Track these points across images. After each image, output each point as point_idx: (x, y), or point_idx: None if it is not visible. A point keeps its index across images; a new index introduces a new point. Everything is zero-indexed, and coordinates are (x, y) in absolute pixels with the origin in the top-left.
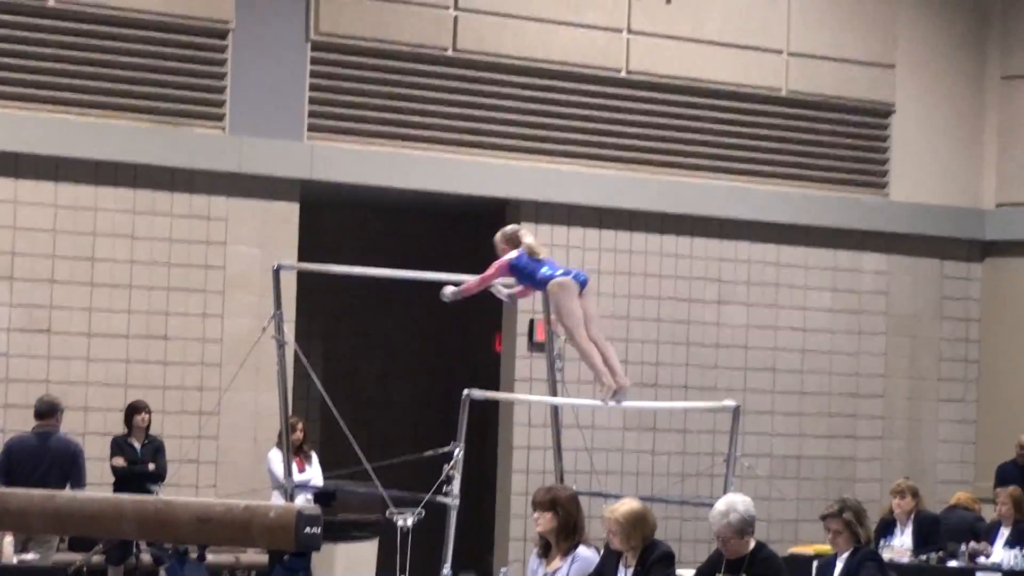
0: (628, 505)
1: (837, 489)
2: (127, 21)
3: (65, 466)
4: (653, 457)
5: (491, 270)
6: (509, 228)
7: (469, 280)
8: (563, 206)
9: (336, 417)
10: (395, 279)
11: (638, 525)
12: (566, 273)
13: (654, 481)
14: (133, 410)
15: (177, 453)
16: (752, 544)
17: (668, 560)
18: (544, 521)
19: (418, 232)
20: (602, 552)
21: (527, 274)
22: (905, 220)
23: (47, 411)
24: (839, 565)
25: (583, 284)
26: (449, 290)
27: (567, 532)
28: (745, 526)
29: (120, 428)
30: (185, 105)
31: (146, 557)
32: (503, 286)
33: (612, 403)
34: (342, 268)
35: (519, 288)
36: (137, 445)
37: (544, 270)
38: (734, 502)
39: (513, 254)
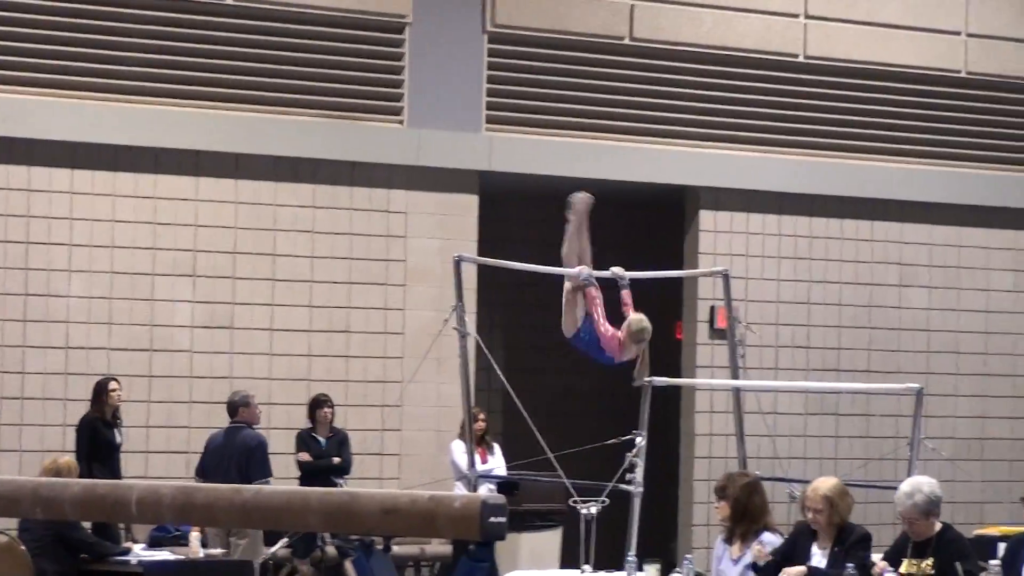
0: (831, 482)
1: (1022, 471)
2: (305, 18)
3: (242, 460)
4: (836, 441)
5: (602, 332)
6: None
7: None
8: (742, 192)
9: (518, 407)
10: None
11: (843, 499)
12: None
13: (837, 466)
14: (316, 404)
15: (361, 446)
16: (938, 526)
17: (866, 542)
18: (722, 508)
19: (598, 221)
20: (791, 532)
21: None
22: None
23: (231, 408)
24: None
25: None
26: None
27: (739, 518)
28: (931, 507)
29: (304, 423)
30: (363, 100)
31: (332, 550)
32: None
33: None
34: (520, 265)
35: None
36: (322, 439)
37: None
38: (919, 483)
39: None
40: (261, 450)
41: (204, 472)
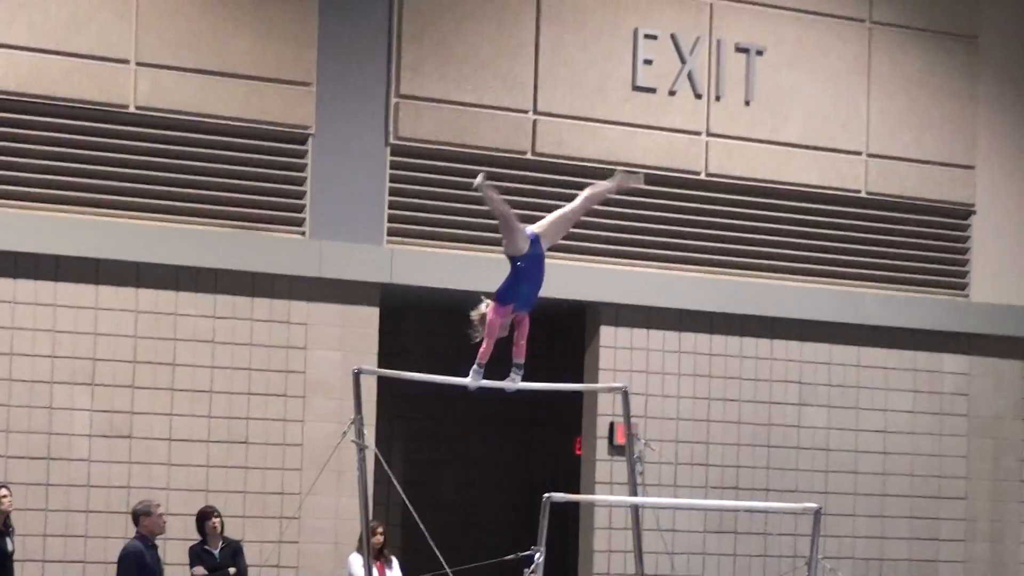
0: None
1: None
2: (209, 127)
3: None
4: (735, 560)
5: (490, 329)
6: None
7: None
8: (642, 308)
9: (417, 521)
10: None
11: None
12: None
13: None
14: (204, 516)
15: (258, 558)
16: None
17: None
18: None
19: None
20: None
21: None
22: (986, 321)
23: (133, 517)
24: None
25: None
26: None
27: None
28: None
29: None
30: (266, 211)
31: None
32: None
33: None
34: (421, 376)
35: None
36: (215, 551)
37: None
38: None
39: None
40: (123, 562)
41: None
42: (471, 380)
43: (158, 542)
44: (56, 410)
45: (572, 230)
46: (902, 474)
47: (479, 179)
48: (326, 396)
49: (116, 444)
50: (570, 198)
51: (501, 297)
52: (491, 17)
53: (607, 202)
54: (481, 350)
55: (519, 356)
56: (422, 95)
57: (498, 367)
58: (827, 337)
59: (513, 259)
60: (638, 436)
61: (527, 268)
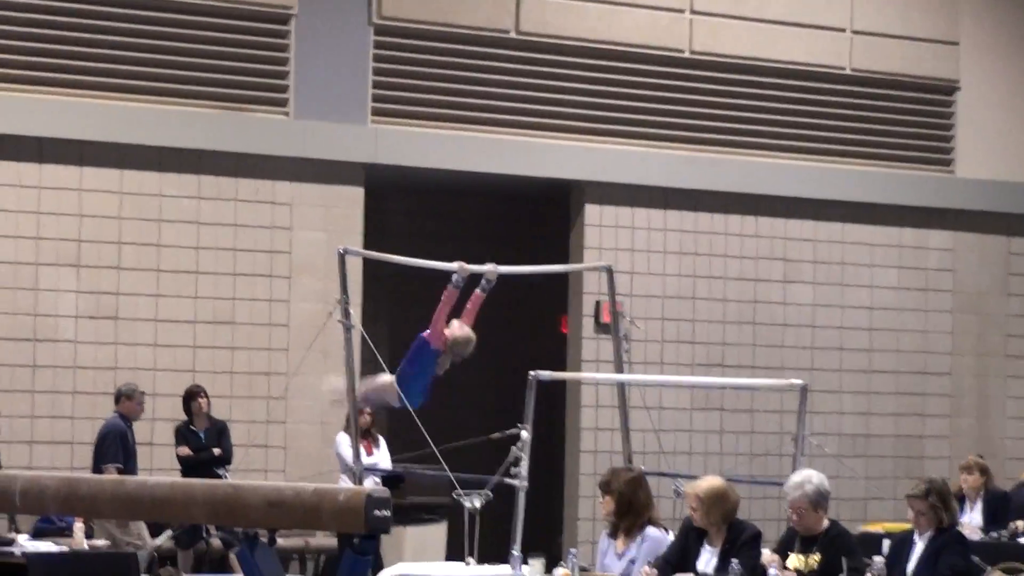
0: (709, 482)
1: (906, 467)
2: (190, 7)
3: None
4: (721, 437)
5: (438, 329)
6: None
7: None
8: (627, 186)
9: (403, 400)
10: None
11: (718, 502)
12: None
13: (722, 461)
14: (190, 396)
15: (245, 438)
16: (826, 522)
17: (756, 540)
18: (605, 503)
19: (483, 214)
20: (680, 530)
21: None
22: (971, 197)
23: (115, 397)
24: (919, 544)
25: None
26: (457, 272)
27: (624, 513)
28: (820, 499)
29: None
30: (249, 91)
31: (216, 542)
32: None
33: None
34: (405, 259)
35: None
36: (200, 431)
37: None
38: (809, 475)
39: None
40: (101, 440)
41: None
42: (456, 265)
43: (157, 423)
44: (41, 291)
45: (555, 108)
46: (888, 350)
47: (458, 269)
48: (311, 276)
49: (102, 325)
50: (553, 77)
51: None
52: None
53: (591, 80)
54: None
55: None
56: None
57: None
58: (812, 214)
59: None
60: (624, 314)
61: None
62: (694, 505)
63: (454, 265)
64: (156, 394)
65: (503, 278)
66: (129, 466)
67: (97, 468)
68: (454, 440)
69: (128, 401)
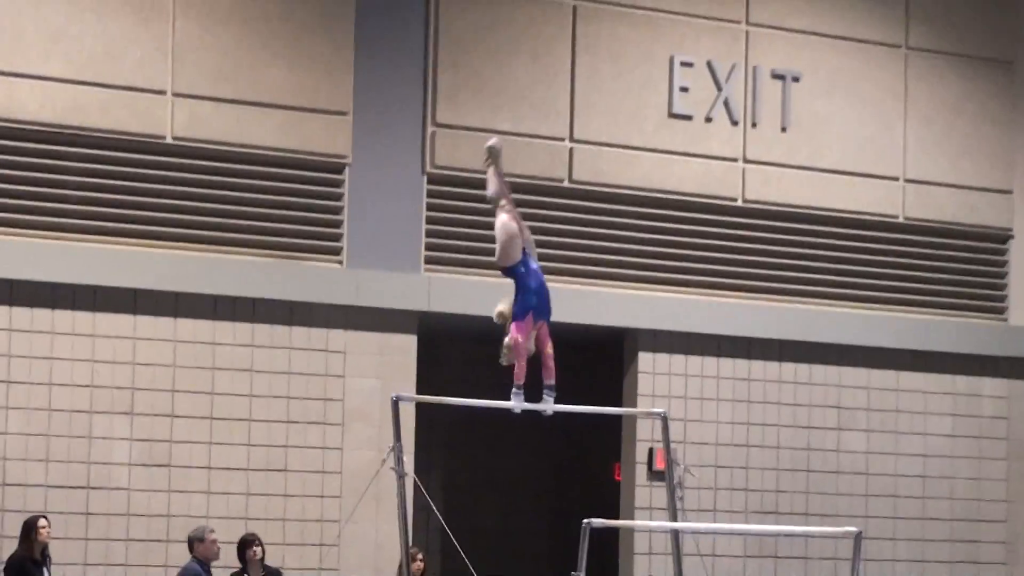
0: None
1: None
2: (245, 157)
3: None
4: None
5: (518, 348)
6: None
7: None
8: (681, 334)
9: (457, 548)
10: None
11: None
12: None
13: None
14: (245, 544)
15: None
16: None
17: None
18: None
19: (537, 363)
20: None
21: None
22: None
23: (189, 544)
24: None
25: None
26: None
27: None
28: None
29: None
30: (303, 240)
31: None
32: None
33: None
34: (459, 400)
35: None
36: None
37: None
38: None
39: (512, 329)
40: None
41: None
42: (514, 402)
43: (214, 570)
44: (95, 439)
45: (609, 256)
46: (942, 497)
47: (495, 140)
48: (364, 424)
49: (155, 473)
50: (607, 226)
51: (518, 313)
52: (526, 46)
53: (644, 228)
54: (515, 372)
55: (548, 377)
56: (458, 123)
57: (532, 393)
58: (865, 362)
59: (509, 270)
60: (677, 461)
61: (527, 272)
62: None
63: (503, 403)
64: None
65: (559, 424)
66: None
67: None
68: None
69: (201, 544)
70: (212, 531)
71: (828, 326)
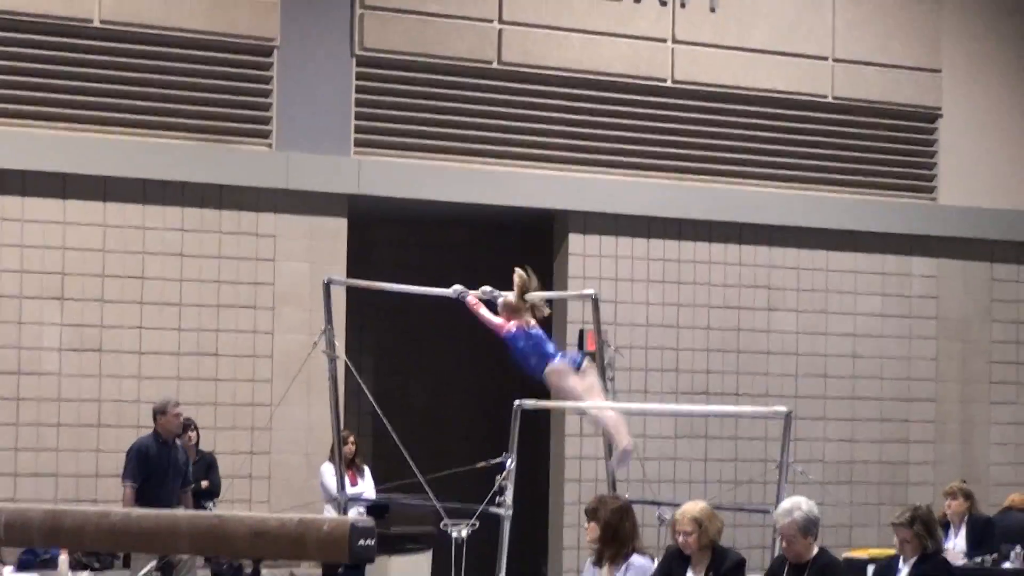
0: (699, 504)
1: (890, 494)
2: (172, 40)
3: None
4: (706, 465)
5: (496, 325)
6: (513, 298)
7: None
8: (611, 216)
9: (388, 429)
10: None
11: (712, 521)
12: (562, 356)
13: (707, 488)
14: (181, 430)
15: (230, 469)
16: (815, 549)
17: (740, 567)
18: (590, 529)
19: (466, 244)
20: (663, 557)
21: (529, 350)
22: (954, 224)
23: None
24: (904, 570)
25: (578, 366)
26: (456, 289)
27: (609, 541)
28: (809, 525)
29: None
30: (232, 123)
31: (203, 573)
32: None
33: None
34: (389, 286)
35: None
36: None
37: (547, 347)
38: (798, 501)
39: (512, 327)
40: (127, 454)
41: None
42: (453, 291)
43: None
44: (25, 324)
45: (538, 138)
46: (872, 377)
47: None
48: (295, 307)
49: (86, 358)
50: (536, 107)
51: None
52: None
53: (574, 110)
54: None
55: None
56: (387, 6)
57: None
58: (795, 242)
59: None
60: (608, 343)
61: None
62: (688, 528)
63: (439, 290)
64: (140, 426)
65: (490, 306)
66: (151, 485)
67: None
68: (439, 470)
69: (162, 417)
70: (177, 404)
71: (758, 206)
